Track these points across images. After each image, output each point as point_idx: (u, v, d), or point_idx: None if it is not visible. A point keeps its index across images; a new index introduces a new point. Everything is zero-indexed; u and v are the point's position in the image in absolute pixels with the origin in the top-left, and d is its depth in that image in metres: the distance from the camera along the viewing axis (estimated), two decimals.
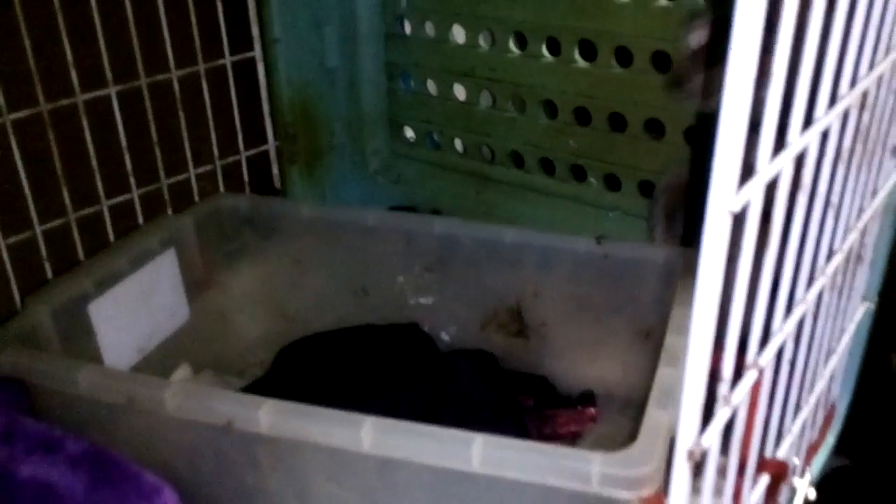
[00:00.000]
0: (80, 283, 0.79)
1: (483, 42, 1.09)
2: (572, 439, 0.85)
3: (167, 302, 0.89)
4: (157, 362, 0.86)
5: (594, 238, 0.86)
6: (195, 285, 0.92)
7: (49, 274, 0.89)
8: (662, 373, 0.63)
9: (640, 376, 0.84)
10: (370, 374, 0.83)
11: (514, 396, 0.88)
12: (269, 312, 0.99)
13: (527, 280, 0.90)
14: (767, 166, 0.39)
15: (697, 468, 0.39)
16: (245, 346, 0.98)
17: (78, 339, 0.78)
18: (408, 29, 1.15)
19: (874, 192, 0.68)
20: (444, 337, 0.95)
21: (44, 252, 0.89)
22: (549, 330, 0.91)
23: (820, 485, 0.68)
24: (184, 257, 0.90)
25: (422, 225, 0.92)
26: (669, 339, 0.67)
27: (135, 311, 0.84)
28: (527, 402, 0.89)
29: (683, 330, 0.67)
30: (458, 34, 1.11)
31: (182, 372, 0.89)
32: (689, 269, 0.76)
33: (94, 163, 0.92)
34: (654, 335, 0.83)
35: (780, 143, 0.41)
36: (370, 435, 0.57)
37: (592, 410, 0.88)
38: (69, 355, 0.76)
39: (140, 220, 0.97)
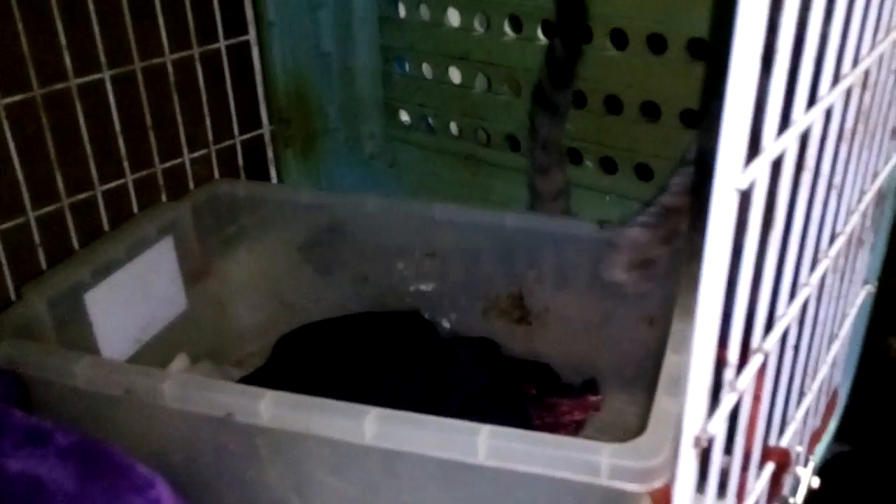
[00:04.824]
0: (77, 272, 0.78)
1: (478, 25, 1.08)
2: (575, 428, 0.84)
3: (164, 290, 0.88)
4: (155, 352, 0.86)
5: (597, 223, 0.85)
6: (192, 273, 0.92)
7: (43, 260, 0.89)
8: (670, 360, 0.62)
9: (644, 364, 0.84)
10: (371, 362, 0.82)
11: (517, 385, 0.87)
12: (267, 300, 0.99)
13: (529, 266, 0.89)
14: (773, 144, 0.38)
15: (704, 457, 0.39)
16: (243, 334, 0.98)
17: (74, 328, 0.77)
18: (402, 12, 1.14)
19: (875, 175, 0.68)
20: (445, 324, 0.94)
21: (37, 238, 0.88)
22: (552, 316, 0.91)
23: (822, 471, 0.68)
24: (181, 245, 0.90)
25: (422, 211, 0.92)
26: (676, 326, 0.66)
27: (131, 300, 0.84)
28: (529, 391, 0.88)
29: (690, 316, 0.66)
30: (453, 17, 1.10)
31: (179, 362, 0.89)
32: (694, 255, 0.75)
33: (88, 148, 0.91)
34: (658, 322, 0.82)
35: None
36: (373, 426, 0.56)
37: (595, 398, 0.87)
38: (65, 345, 0.75)
39: (134, 205, 0.97)
